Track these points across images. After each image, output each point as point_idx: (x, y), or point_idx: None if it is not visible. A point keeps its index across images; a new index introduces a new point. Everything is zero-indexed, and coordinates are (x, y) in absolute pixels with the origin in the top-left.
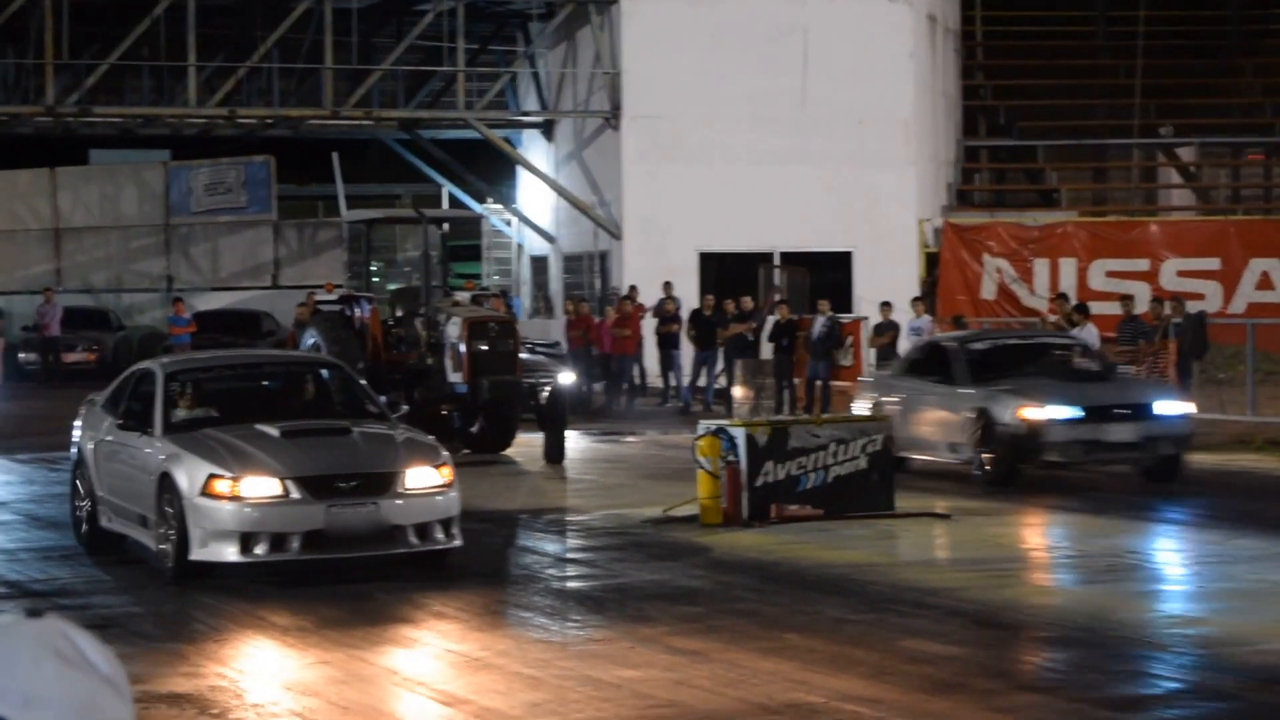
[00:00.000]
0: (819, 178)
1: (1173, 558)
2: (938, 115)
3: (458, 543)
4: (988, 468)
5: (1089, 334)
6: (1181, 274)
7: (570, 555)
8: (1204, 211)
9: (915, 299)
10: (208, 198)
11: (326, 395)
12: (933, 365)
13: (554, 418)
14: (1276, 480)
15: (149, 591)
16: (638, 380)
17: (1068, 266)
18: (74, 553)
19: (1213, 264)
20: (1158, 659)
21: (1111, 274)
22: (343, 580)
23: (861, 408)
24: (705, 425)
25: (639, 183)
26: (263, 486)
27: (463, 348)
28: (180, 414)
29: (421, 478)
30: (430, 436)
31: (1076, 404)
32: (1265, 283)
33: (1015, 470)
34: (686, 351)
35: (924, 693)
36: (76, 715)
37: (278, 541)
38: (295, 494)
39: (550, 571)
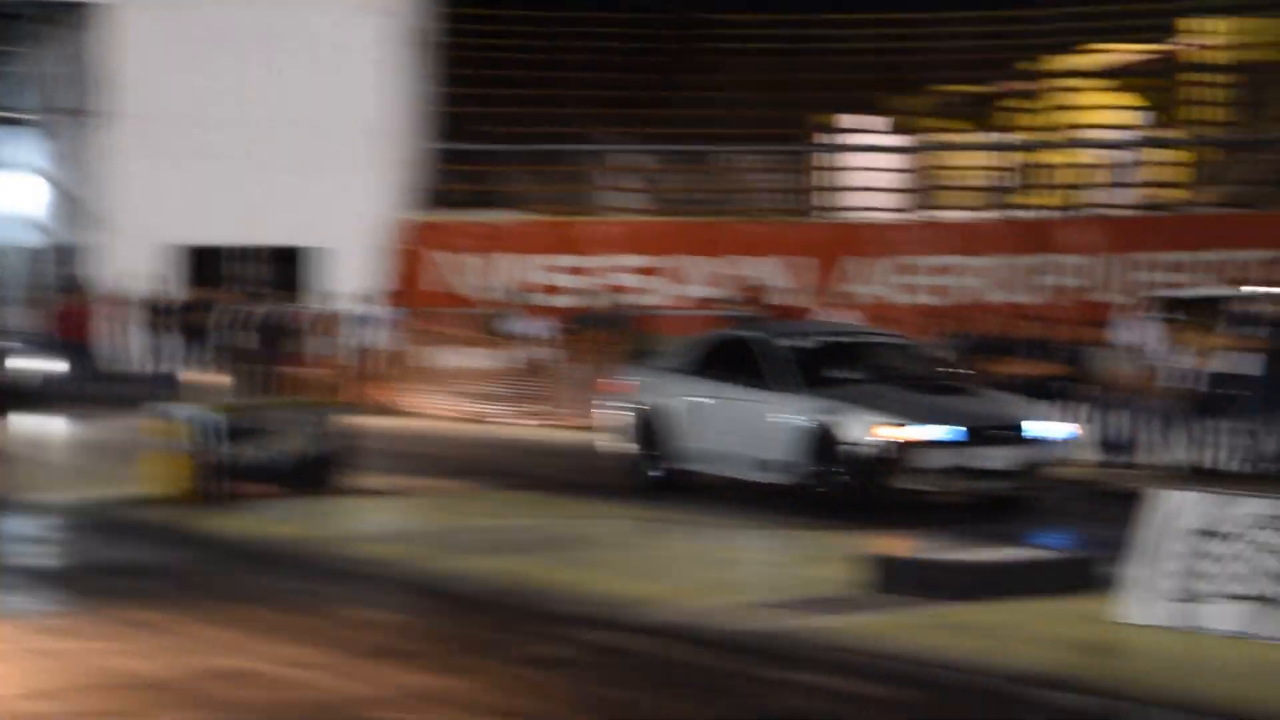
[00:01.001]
0: (295, 178)
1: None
2: (407, 120)
3: None
4: (828, 491)
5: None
6: (627, 270)
7: (37, 535)
8: (648, 213)
9: (383, 292)
10: None
11: None
12: (733, 363)
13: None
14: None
15: None
16: (108, 366)
17: (521, 262)
18: None
19: (665, 262)
20: (573, 621)
21: (560, 269)
22: None
23: (620, 410)
24: (163, 408)
25: (126, 179)
26: None
27: None
28: None
29: None
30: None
31: (955, 422)
32: (711, 280)
33: (869, 496)
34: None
35: (359, 656)
36: None
37: None
38: None
39: (17, 549)
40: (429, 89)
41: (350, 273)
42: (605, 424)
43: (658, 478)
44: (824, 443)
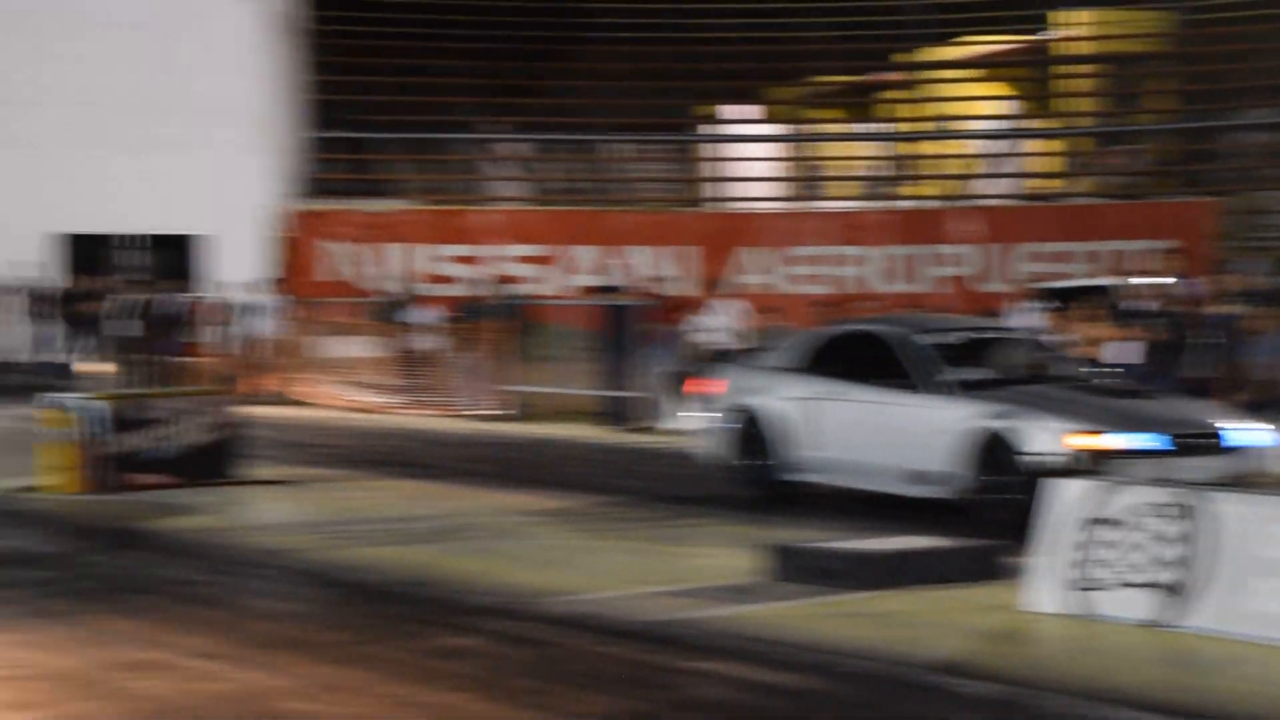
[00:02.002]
0: (171, 165)
1: (496, 520)
2: (285, 107)
3: None
4: (996, 509)
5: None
6: (514, 259)
7: None
8: (532, 202)
9: (268, 280)
10: None
11: None
12: (860, 360)
13: None
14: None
15: None
16: None
17: (408, 251)
18: None
19: (541, 250)
20: (478, 611)
21: (449, 258)
22: None
23: (713, 414)
24: (53, 398)
25: None
26: None
27: None
28: None
29: None
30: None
31: (1155, 429)
32: (593, 268)
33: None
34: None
35: (265, 647)
36: None
37: None
38: None
39: None
40: (305, 76)
41: (235, 261)
42: (695, 429)
43: (761, 489)
44: (996, 452)
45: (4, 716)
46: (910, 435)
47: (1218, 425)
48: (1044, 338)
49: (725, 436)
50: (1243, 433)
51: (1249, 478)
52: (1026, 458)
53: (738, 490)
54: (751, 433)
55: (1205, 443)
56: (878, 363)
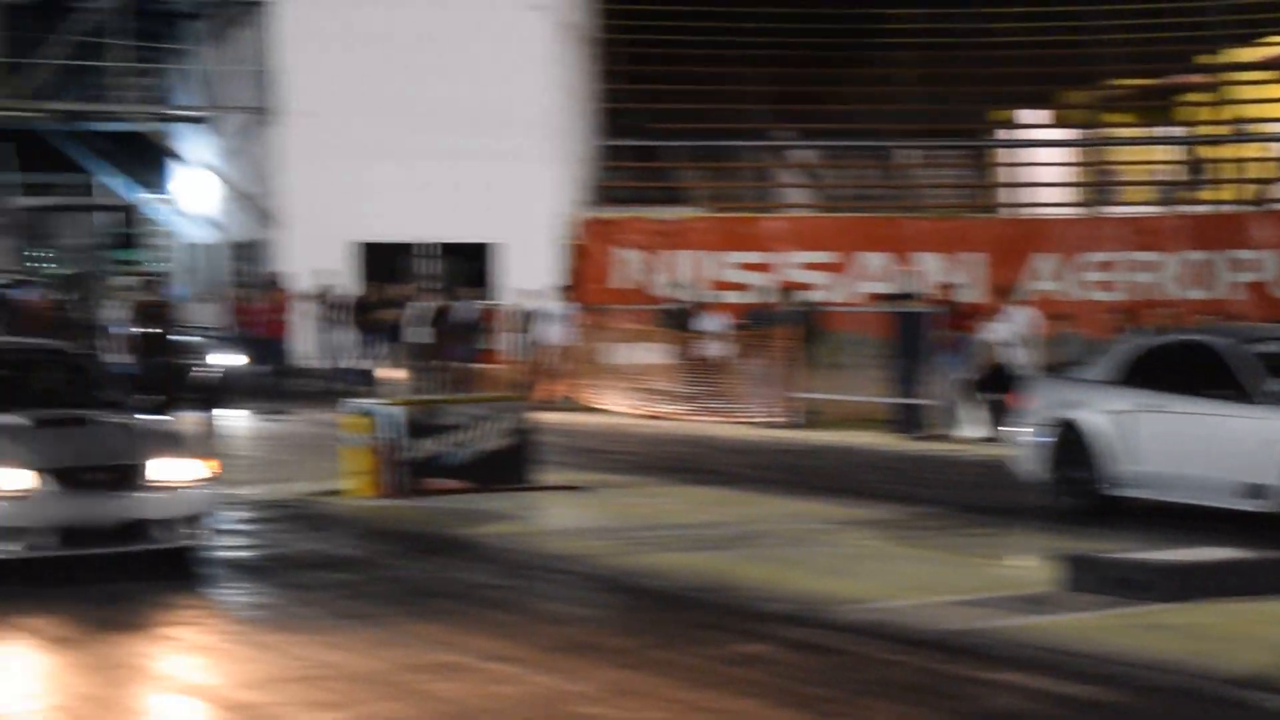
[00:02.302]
0: (466, 174)
1: (787, 527)
2: (576, 117)
3: (203, 539)
4: None
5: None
6: (802, 266)
7: (235, 527)
8: (822, 209)
9: (559, 287)
10: None
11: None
12: (1185, 372)
13: (210, 397)
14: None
15: None
16: (290, 361)
17: (697, 258)
18: None
19: (830, 257)
20: (770, 618)
21: (738, 265)
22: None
23: (1029, 428)
24: (355, 404)
25: (297, 175)
26: (13, 479)
27: (129, 330)
28: None
29: (168, 471)
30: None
31: None
32: (882, 274)
33: None
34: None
35: (560, 651)
36: None
37: (27, 540)
38: (48, 486)
39: (217, 542)
40: (596, 85)
41: (527, 268)
42: (1014, 442)
43: (1080, 502)
44: None
45: (311, 716)
46: (1244, 448)
47: None
48: None
49: (1041, 449)
50: None
51: None
52: None
53: (1052, 502)
54: (1070, 446)
55: None
56: (1204, 373)
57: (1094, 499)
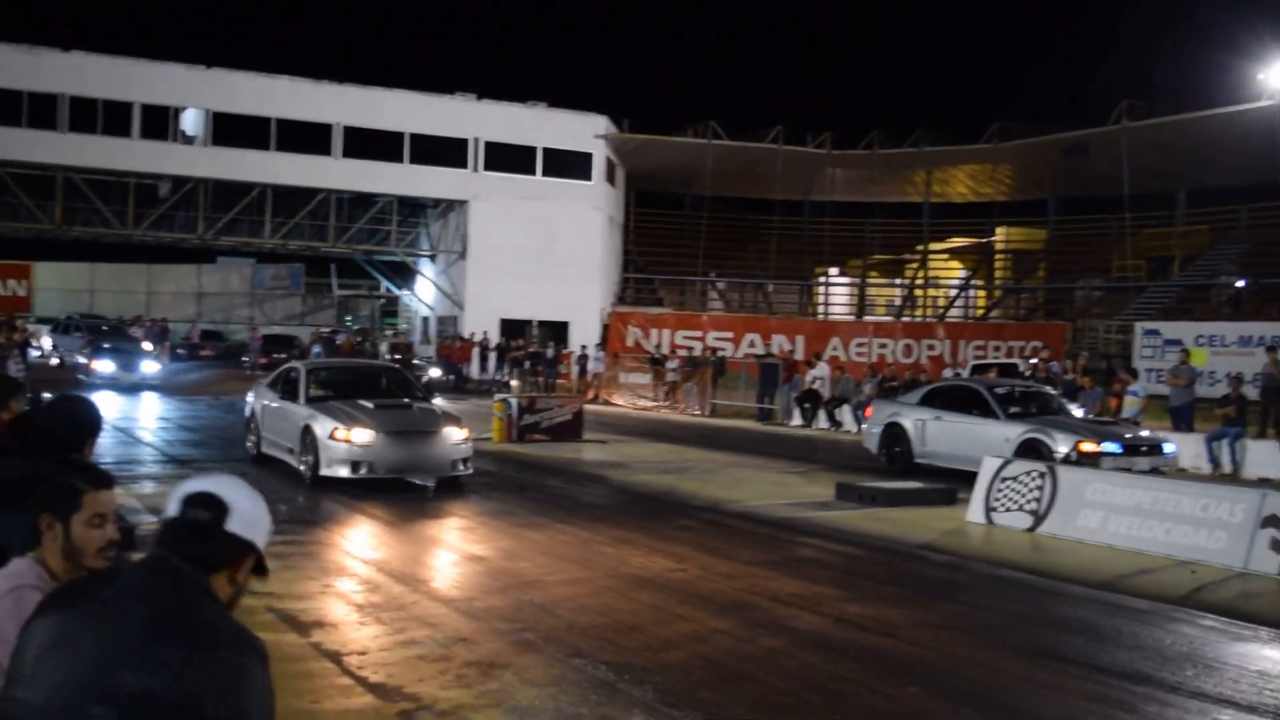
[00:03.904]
0: (558, 287)
1: (705, 464)
2: (611, 260)
3: (469, 471)
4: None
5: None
6: (717, 339)
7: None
8: (728, 313)
9: (598, 344)
10: (271, 282)
11: (396, 385)
12: (960, 401)
13: (429, 392)
14: None
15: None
16: (468, 375)
17: (667, 333)
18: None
19: (730, 334)
20: (697, 509)
21: (686, 337)
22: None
23: (873, 426)
24: (498, 396)
25: (474, 283)
26: (364, 436)
27: (388, 356)
28: (314, 391)
29: (453, 435)
30: (453, 409)
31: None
32: (754, 345)
33: None
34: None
35: (591, 519)
36: (259, 516)
37: (371, 467)
38: (383, 439)
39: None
40: (623, 247)
41: (583, 334)
42: (863, 433)
43: (898, 466)
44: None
45: (467, 548)
46: (993, 443)
47: None
48: None
49: (878, 437)
50: None
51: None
52: None
53: (884, 465)
54: (894, 436)
55: None
56: (969, 402)
57: (907, 464)
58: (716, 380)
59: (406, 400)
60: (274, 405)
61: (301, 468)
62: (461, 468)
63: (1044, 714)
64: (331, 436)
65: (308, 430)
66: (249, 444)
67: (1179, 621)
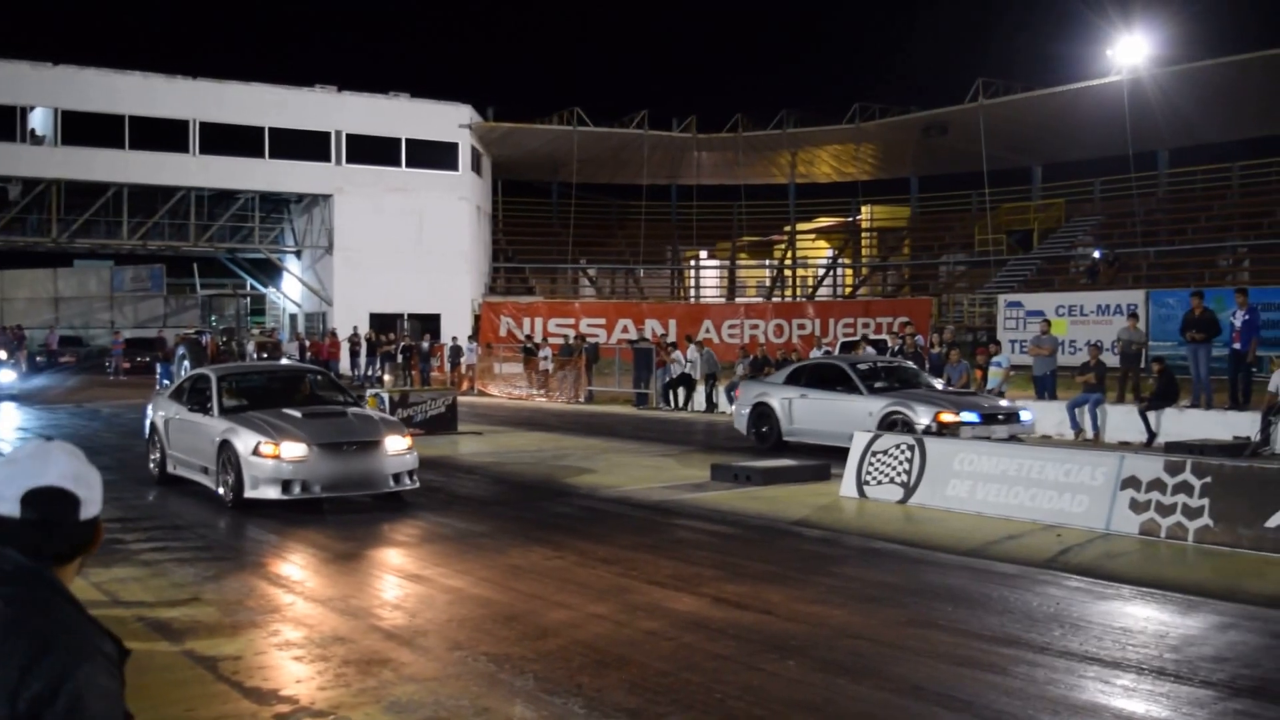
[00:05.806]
0: (428, 278)
1: (581, 451)
2: (481, 250)
3: (416, 485)
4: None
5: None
6: (590, 325)
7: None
8: (599, 299)
9: (470, 335)
10: (131, 284)
11: (322, 390)
12: (825, 378)
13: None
14: None
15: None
16: (338, 373)
17: (539, 321)
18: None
19: (602, 321)
20: (574, 495)
21: (558, 325)
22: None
23: (741, 406)
24: (371, 391)
25: (341, 278)
26: (295, 450)
27: (255, 355)
28: (229, 401)
29: (395, 444)
30: (393, 416)
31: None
32: (626, 331)
33: None
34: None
35: (470, 511)
36: (99, 489)
37: (305, 486)
38: (317, 453)
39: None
40: (492, 237)
41: (455, 326)
42: (733, 413)
43: (767, 445)
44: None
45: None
46: (855, 418)
47: None
48: None
49: (747, 417)
50: None
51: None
52: None
53: (753, 445)
54: (762, 415)
55: None
56: (833, 379)
57: (775, 442)
58: (591, 367)
59: (338, 406)
60: (180, 418)
61: (220, 490)
62: (407, 481)
63: (916, 680)
64: (256, 452)
65: (226, 446)
66: (151, 463)
67: (1046, 584)
